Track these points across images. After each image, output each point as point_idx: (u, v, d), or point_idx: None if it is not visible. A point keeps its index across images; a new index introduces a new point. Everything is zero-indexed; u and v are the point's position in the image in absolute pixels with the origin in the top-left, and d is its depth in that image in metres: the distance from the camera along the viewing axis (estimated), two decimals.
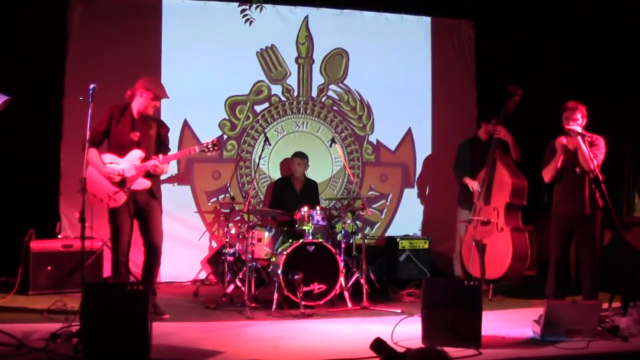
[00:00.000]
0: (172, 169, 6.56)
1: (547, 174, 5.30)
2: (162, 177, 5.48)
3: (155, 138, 5.15)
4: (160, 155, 5.03)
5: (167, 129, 5.34)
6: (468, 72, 8.02)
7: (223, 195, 7.08)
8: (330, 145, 6.56)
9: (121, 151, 5.02)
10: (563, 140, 5.20)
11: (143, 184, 5.03)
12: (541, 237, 7.19)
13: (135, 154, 5.00)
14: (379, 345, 3.73)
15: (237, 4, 6.24)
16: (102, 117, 5.07)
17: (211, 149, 5.10)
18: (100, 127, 5.05)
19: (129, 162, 4.99)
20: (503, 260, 6.02)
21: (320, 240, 5.68)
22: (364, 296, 5.60)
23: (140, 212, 5.07)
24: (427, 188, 7.83)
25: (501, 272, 6.06)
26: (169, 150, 5.28)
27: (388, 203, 7.82)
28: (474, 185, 6.36)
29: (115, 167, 4.97)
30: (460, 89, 7.93)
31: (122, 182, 4.96)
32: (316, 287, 5.47)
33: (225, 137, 7.32)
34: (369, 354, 3.82)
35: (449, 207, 7.07)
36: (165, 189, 5.75)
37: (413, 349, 3.66)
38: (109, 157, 5.02)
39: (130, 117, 5.07)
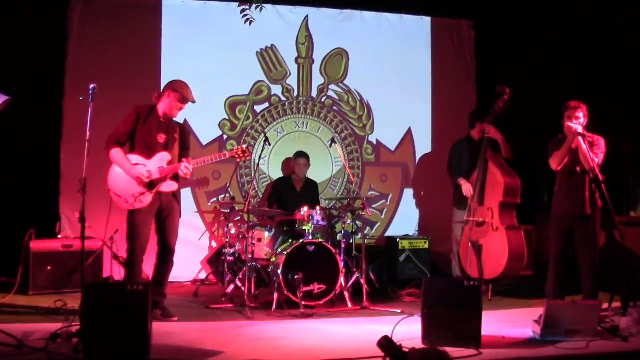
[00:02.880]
0: None
1: (556, 160, 5.20)
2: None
3: (179, 141, 5.13)
4: (190, 159, 5.00)
5: (189, 134, 5.36)
6: (468, 72, 8.02)
7: (223, 195, 7.08)
8: (330, 145, 6.56)
9: (148, 152, 4.96)
10: (573, 126, 5.09)
11: (171, 186, 5.01)
12: (541, 237, 7.19)
13: (163, 156, 4.97)
14: (385, 343, 3.73)
15: (237, 4, 6.24)
16: (128, 117, 5.00)
17: (241, 156, 5.16)
18: (126, 127, 4.98)
19: (156, 164, 4.95)
20: (500, 260, 6.01)
21: (320, 240, 5.69)
22: (364, 296, 5.60)
23: (161, 213, 5.04)
24: (425, 188, 7.83)
25: (498, 272, 6.05)
26: (188, 153, 5.23)
27: (388, 203, 7.82)
28: (467, 190, 6.34)
29: (142, 169, 4.91)
30: (460, 89, 7.94)
31: (150, 184, 4.92)
32: (316, 287, 5.47)
33: (225, 137, 7.32)
34: (369, 353, 3.83)
35: (447, 207, 7.05)
36: None
37: (417, 348, 3.67)
38: (134, 158, 4.95)
39: (157, 119, 5.04)
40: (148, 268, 5.23)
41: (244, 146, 5.25)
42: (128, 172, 4.90)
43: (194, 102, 5.13)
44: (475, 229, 6.16)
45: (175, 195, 5.13)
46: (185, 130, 5.32)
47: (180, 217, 5.22)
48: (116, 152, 4.94)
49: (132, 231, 4.95)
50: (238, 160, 5.24)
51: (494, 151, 6.34)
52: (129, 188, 4.91)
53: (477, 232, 6.14)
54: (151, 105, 5.09)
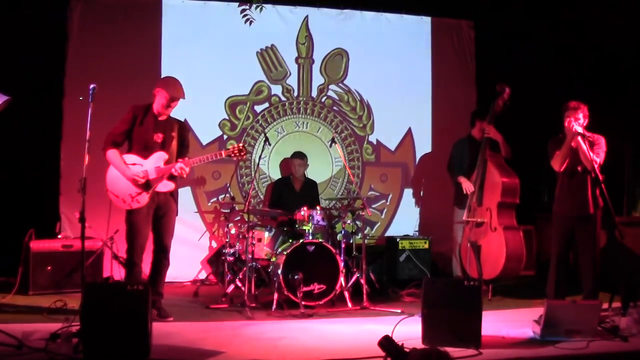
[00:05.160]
0: None
1: (558, 161, 5.19)
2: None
3: (177, 139, 5.09)
4: (186, 158, 4.97)
5: (188, 131, 5.31)
6: (468, 72, 8.02)
7: (223, 195, 7.08)
8: (330, 145, 6.56)
9: (145, 152, 4.95)
10: (573, 126, 5.06)
11: (168, 186, 4.99)
12: (541, 237, 7.19)
13: (160, 156, 4.96)
14: (387, 343, 3.73)
15: (237, 4, 6.26)
16: (125, 117, 5.01)
17: (238, 155, 5.07)
18: (123, 127, 4.98)
19: (153, 164, 4.95)
20: (497, 261, 6.00)
21: (320, 240, 5.69)
22: (364, 296, 5.60)
23: (158, 212, 5.03)
24: (425, 187, 7.83)
25: (496, 273, 6.03)
26: (187, 150, 5.22)
27: (388, 203, 7.82)
28: (467, 187, 6.34)
29: (139, 169, 4.92)
30: (460, 89, 7.94)
31: (146, 184, 4.92)
32: (316, 287, 5.47)
33: (225, 137, 7.32)
34: (369, 354, 3.83)
35: (447, 207, 7.05)
36: None
37: (418, 348, 3.67)
38: (131, 158, 4.96)
39: (153, 118, 5.02)
40: (146, 267, 5.22)
41: (241, 144, 5.19)
42: (123, 173, 4.90)
43: (183, 98, 5.08)
44: (474, 229, 6.16)
45: (173, 195, 5.12)
46: (184, 128, 5.29)
47: (176, 215, 5.21)
48: (112, 153, 4.94)
49: (131, 231, 4.96)
50: (235, 159, 5.17)
51: (493, 151, 6.33)
52: (126, 188, 4.91)
53: (476, 233, 6.14)
54: (148, 104, 5.07)
